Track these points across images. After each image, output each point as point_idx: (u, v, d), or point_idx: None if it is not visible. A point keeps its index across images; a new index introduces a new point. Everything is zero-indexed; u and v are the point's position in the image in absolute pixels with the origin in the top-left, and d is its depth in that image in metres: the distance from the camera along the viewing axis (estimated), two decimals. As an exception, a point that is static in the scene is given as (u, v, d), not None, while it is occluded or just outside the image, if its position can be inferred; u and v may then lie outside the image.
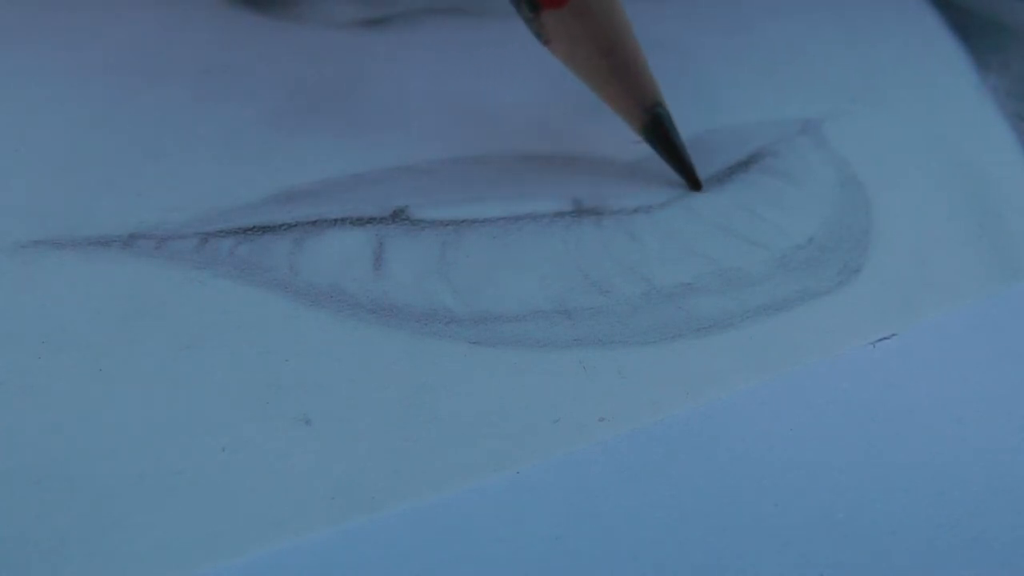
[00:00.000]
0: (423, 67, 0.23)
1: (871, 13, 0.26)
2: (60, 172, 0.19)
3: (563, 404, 0.16)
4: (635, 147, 0.20)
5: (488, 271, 0.18)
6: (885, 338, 0.17)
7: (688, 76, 0.23)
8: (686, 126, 0.21)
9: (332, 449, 0.15)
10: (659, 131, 0.20)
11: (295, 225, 0.18)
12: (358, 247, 0.18)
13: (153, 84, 0.22)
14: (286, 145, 0.20)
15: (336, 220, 0.19)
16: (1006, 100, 0.23)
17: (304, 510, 0.14)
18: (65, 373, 0.16)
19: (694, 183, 0.20)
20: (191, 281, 0.17)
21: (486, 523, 0.14)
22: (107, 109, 0.21)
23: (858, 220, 0.19)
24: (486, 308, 0.17)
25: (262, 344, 0.16)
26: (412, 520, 0.14)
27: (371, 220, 0.19)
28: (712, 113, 0.22)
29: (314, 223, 0.18)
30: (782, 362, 0.17)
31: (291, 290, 0.17)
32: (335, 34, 0.24)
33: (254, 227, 0.18)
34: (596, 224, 0.19)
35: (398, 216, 0.19)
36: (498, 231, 0.19)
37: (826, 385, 0.16)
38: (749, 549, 0.14)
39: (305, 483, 0.14)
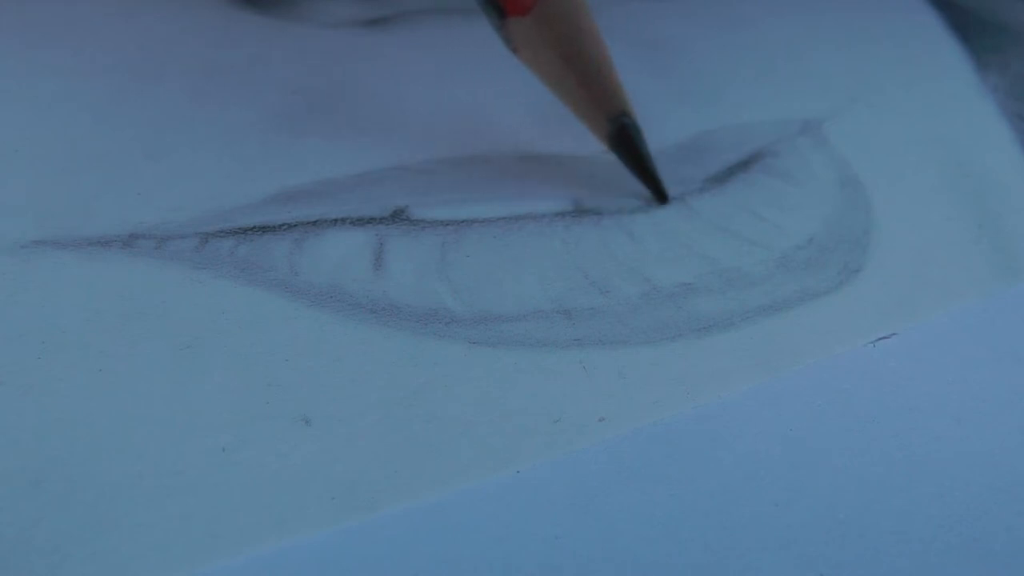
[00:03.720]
0: (423, 67, 0.23)
1: (871, 13, 0.26)
2: (60, 172, 0.19)
3: (563, 404, 0.16)
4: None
5: (488, 271, 0.18)
6: (885, 338, 0.17)
7: (688, 76, 0.23)
8: (686, 126, 0.21)
9: (332, 449, 0.15)
10: (624, 142, 0.19)
11: (295, 225, 0.18)
12: (358, 247, 0.18)
13: (153, 84, 0.22)
14: (286, 145, 0.20)
15: (336, 220, 0.19)
16: (1006, 100, 0.23)
17: (304, 510, 0.14)
18: (65, 373, 0.16)
19: (661, 197, 0.19)
20: (191, 281, 0.17)
21: (486, 523, 0.14)
22: (107, 109, 0.21)
23: (858, 220, 0.19)
24: (486, 308, 0.17)
25: (262, 344, 0.16)
26: (412, 520, 0.14)
27: (371, 220, 0.19)
28: (712, 113, 0.22)
29: (314, 223, 0.18)
30: (782, 362, 0.17)
31: (291, 290, 0.17)
32: (335, 34, 0.24)
33: (254, 227, 0.18)
34: (596, 224, 0.19)
35: (398, 216, 0.19)
36: (498, 231, 0.19)
37: (826, 385, 0.16)
38: (749, 549, 0.14)
39: (305, 483, 0.14)
